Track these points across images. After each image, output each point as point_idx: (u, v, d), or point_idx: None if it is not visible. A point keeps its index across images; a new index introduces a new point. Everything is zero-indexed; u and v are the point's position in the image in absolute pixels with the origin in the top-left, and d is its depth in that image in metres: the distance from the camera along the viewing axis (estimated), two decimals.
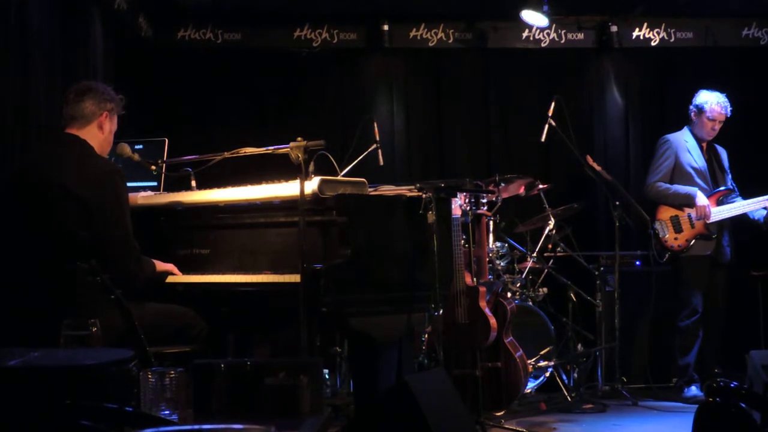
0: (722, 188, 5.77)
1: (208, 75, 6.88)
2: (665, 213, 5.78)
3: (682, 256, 5.71)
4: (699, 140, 5.83)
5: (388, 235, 3.92)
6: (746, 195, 5.78)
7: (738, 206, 5.71)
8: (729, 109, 5.78)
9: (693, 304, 5.69)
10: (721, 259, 5.76)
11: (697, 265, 5.71)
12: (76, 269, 3.31)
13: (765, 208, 5.71)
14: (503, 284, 5.41)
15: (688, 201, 5.68)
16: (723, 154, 5.92)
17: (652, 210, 5.82)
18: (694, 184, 5.73)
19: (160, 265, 3.84)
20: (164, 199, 4.23)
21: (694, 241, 5.69)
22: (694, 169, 5.77)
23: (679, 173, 5.79)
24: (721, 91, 5.83)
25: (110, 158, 3.93)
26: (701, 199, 5.65)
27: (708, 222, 5.65)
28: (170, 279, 3.90)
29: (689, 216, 5.70)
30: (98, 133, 3.66)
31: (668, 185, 5.76)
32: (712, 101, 5.75)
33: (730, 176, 5.86)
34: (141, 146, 4.63)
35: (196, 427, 1.09)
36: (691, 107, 5.86)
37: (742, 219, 5.77)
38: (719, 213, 5.67)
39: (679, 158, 5.80)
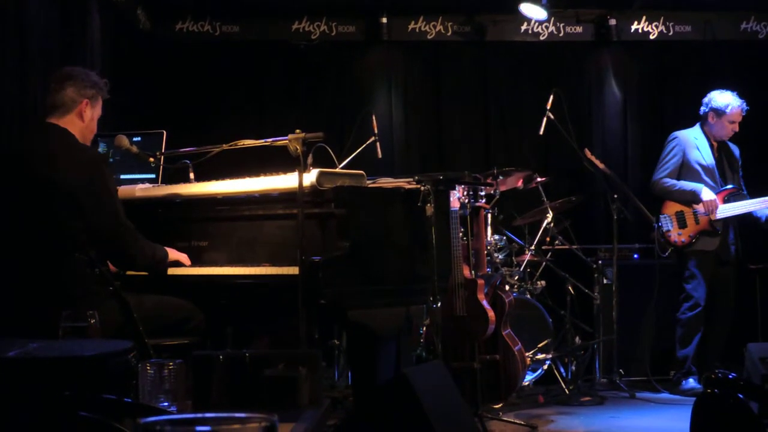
0: (729, 186, 5.76)
1: (206, 67, 6.87)
2: (671, 208, 5.77)
3: (686, 251, 5.71)
4: (711, 138, 5.82)
5: (386, 227, 3.92)
6: (748, 192, 5.77)
7: (744, 204, 5.70)
8: (746, 107, 5.78)
9: (695, 298, 5.69)
10: (725, 256, 5.75)
11: (702, 260, 5.71)
12: (74, 261, 3.31)
13: None
14: (501, 277, 5.41)
15: (693, 197, 5.67)
16: (736, 152, 5.91)
17: (658, 205, 5.82)
18: (701, 181, 5.72)
19: (173, 254, 3.82)
20: (162, 192, 4.22)
21: (697, 236, 5.69)
22: (702, 166, 5.76)
23: (686, 170, 5.79)
24: (723, 87, 5.82)
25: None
26: (707, 194, 5.64)
27: (714, 219, 5.64)
28: (169, 271, 3.90)
29: (695, 212, 5.69)
30: (78, 122, 3.61)
31: (674, 181, 5.76)
32: (733, 104, 5.73)
33: (740, 174, 5.85)
34: (139, 138, 4.62)
35: (199, 415, 1.09)
36: (707, 109, 5.80)
37: (745, 216, 5.76)
38: (725, 210, 5.67)
39: (686, 155, 5.79)
